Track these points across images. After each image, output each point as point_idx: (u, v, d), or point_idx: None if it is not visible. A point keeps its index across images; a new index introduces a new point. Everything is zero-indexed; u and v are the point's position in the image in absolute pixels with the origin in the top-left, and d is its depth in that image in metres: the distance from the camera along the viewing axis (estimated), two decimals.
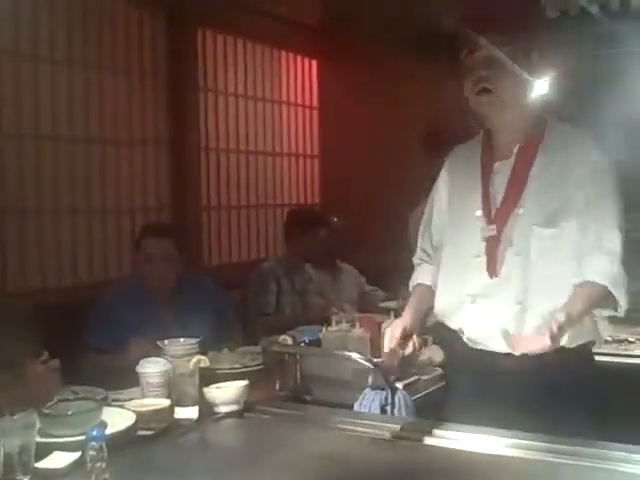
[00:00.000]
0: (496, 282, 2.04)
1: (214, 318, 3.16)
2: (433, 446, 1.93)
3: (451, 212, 2.19)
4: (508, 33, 1.97)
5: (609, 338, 2.95)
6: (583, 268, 1.97)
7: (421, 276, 2.27)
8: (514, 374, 2.01)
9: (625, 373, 2.86)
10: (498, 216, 2.04)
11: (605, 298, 1.97)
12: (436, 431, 1.98)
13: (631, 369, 2.91)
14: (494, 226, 2.03)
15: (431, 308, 2.21)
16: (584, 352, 2.06)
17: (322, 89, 5.67)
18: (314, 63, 5.64)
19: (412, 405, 2.29)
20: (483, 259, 2.05)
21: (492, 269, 2.04)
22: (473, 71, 2.00)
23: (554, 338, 1.79)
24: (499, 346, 2.01)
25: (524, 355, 1.95)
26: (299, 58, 5.52)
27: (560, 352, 1.92)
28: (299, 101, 5.54)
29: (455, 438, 1.93)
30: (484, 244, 2.05)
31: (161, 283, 3.15)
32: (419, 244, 2.31)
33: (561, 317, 1.80)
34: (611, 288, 1.94)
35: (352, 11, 4.91)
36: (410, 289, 2.28)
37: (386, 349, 2.06)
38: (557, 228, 2.00)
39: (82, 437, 1.64)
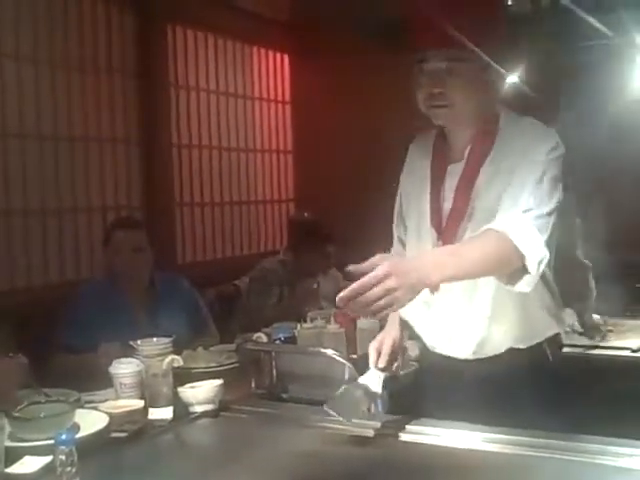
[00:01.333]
0: (447, 290, 1.91)
1: (188, 317, 3.13)
2: (410, 442, 1.92)
3: (406, 211, 2.11)
4: (462, 48, 1.82)
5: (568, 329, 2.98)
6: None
7: None
8: (473, 378, 2.00)
9: (598, 364, 2.89)
10: (447, 229, 1.95)
11: (509, 249, 1.71)
12: (413, 427, 1.97)
13: (603, 360, 2.94)
14: (441, 242, 1.95)
15: None
16: (539, 351, 2.01)
17: (294, 84, 5.65)
18: (286, 58, 5.62)
19: (389, 401, 2.28)
20: None
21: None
22: (425, 85, 1.89)
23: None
24: (455, 352, 2.01)
25: (481, 360, 1.96)
26: (270, 53, 5.49)
27: (514, 353, 1.94)
28: (271, 96, 5.51)
29: (432, 434, 1.92)
30: None
31: (133, 276, 3.10)
32: (395, 235, 2.22)
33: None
34: (513, 238, 1.71)
35: (323, 6, 4.89)
36: None
37: (372, 366, 1.97)
38: None
39: (53, 441, 1.61)
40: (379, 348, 1.99)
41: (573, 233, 2.93)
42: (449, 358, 2.05)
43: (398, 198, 2.19)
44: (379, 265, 1.47)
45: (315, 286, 4.02)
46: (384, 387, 2.06)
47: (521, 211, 1.78)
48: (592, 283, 3.03)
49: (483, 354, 2.01)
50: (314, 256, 4.02)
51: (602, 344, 3.07)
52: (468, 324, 1.99)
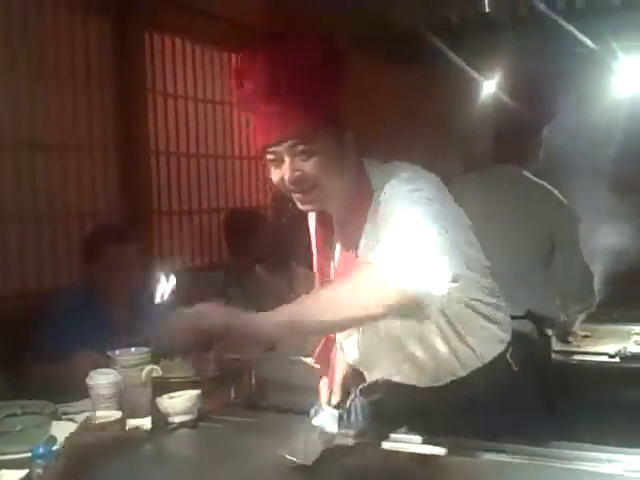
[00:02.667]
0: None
1: None
2: (390, 450, 1.92)
3: None
4: (309, 130, 1.65)
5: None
6: None
7: None
8: (435, 402, 1.98)
9: (575, 370, 2.91)
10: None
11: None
12: (392, 435, 1.97)
13: (581, 365, 2.95)
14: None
15: None
16: (502, 362, 1.97)
17: None
18: None
19: (368, 409, 2.28)
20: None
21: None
22: (279, 173, 1.70)
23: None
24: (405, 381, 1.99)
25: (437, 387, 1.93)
26: None
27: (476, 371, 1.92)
28: None
29: (412, 442, 1.93)
30: None
31: (124, 291, 3.07)
32: None
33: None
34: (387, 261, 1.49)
35: (302, 14, 4.89)
36: None
37: (324, 405, 1.94)
38: None
39: (30, 454, 1.59)
40: (330, 385, 1.97)
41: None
42: (404, 385, 2.01)
43: None
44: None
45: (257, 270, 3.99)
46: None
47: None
48: (595, 288, 2.99)
49: (433, 383, 1.97)
50: (247, 242, 3.98)
51: (580, 350, 3.09)
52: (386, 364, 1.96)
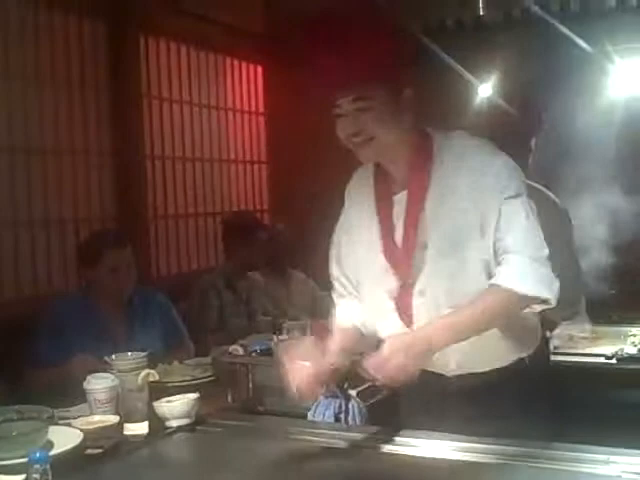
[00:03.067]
0: (414, 323, 1.94)
1: (164, 331, 3.12)
2: (388, 453, 1.91)
3: (358, 257, 2.04)
4: (366, 86, 1.83)
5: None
6: (495, 274, 1.84)
7: (343, 315, 2.10)
8: (454, 392, 1.99)
9: (573, 371, 2.90)
10: (400, 260, 1.92)
11: (521, 305, 1.85)
12: (390, 438, 1.97)
13: (578, 367, 2.95)
14: (398, 272, 1.93)
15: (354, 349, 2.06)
16: (520, 365, 2.00)
17: (268, 95, 5.64)
18: (259, 69, 5.61)
19: (366, 412, 2.28)
20: (395, 307, 1.96)
21: (404, 317, 1.95)
22: (342, 124, 1.88)
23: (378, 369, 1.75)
24: (435, 368, 1.98)
25: (462, 376, 1.96)
26: (244, 64, 5.48)
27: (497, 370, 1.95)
28: (245, 107, 5.51)
29: (410, 444, 1.92)
30: (394, 291, 1.95)
31: (122, 295, 3.10)
32: (334, 280, 2.14)
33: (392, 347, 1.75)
34: (520, 289, 1.78)
35: (297, 17, 4.90)
36: (331, 326, 2.09)
37: (294, 389, 1.95)
38: (464, 255, 1.86)
39: (27, 459, 1.58)
40: (303, 375, 1.95)
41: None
42: (429, 373, 2.00)
43: (336, 248, 2.12)
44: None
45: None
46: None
47: (518, 252, 1.81)
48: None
49: (464, 371, 1.98)
50: (244, 246, 3.96)
51: (577, 351, 3.10)
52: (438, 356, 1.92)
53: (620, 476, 1.67)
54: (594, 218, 3.11)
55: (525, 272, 1.79)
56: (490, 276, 1.84)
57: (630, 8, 4.65)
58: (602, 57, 4.46)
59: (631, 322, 3.34)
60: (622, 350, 3.00)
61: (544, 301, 1.82)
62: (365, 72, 1.82)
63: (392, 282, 1.95)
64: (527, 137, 3.03)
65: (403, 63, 1.92)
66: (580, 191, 3.09)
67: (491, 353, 1.95)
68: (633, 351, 2.99)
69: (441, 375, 2.00)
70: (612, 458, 1.73)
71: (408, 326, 1.94)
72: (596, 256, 3.11)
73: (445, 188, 1.89)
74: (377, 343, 1.89)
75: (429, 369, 1.96)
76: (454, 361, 1.96)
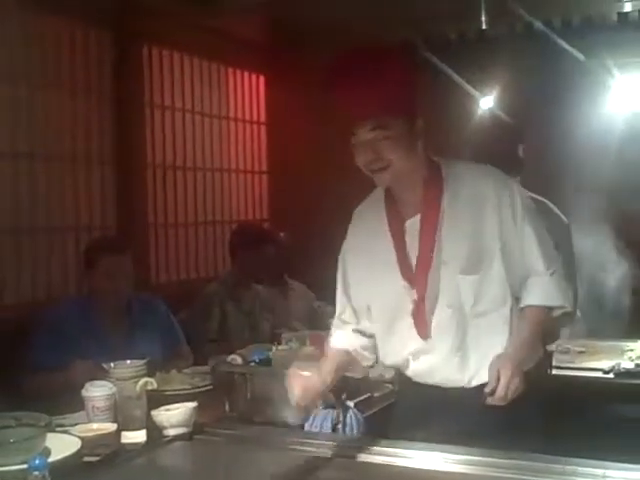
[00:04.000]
0: (433, 339, 2.05)
1: (162, 338, 3.12)
2: (385, 464, 1.92)
3: (369, 278, 2.13)
4: (385, 114, 1.95)
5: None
6: (521, 296, 2.03)
7: (341, 340, 2.19)
8: (452, 403, 2.03)
9: (570, 385, 2.90)
10: (418, 278, 2.03)
11: (551, 315, 2.04)
12: (388, 449, 1.97)
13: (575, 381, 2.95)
14: (416, 290, 2.03)
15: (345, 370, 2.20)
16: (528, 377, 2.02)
17: (270, 105, 5.66)
18: (261, 79, 5.64)
19: (364, 423, 2.28)
20: (413, 322, 2.06)
21: (423, 332, 2.05)
22: (361, 152, 1.98)
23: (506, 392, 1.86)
24: (437, 382, 2.07)
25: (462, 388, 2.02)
26: (246, 74, 5.50)
27: None
28: (247, 117, 5.52)
29: (407, 456, 1.93)
30: (411, 307, 2.05)
31: (118, 300, 3.10)
32: (338, 305, 2.23)
33: (506, 372, 1.86)
34: (550, 303, 2.02)
35: (299, 27, 4.92)
36: (327, 349, 2.20)
37: (292, 403, 2.07)
38: (482, 271, 2.00)
39: (24, 466, 1.59)
40: (306, 390, 2.07)
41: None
42: (429, 386, 2.08)
43: (342, 273, 2.20)
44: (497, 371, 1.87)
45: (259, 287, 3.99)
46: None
47: (541, 274, 2.01)
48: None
49: (466, 384, 2.04)
50: (252, 258, 3.95)
51: (574, 365, 3.10)
52: (457, 367, 2.03)
53: None
54: (592, 231, 3.11)
55: (549, 289, 2.01)
56: (509, 290, 2.02)
57: (631, 23, 4.68)
58: (602, 71, 4.48)
59: (628, 337, 3.34)
60: (619, 365, 3.01)
61: (563, 308, 2.04)
62: (385, 103, 1.93)
63: (410, 300, 2.04)
64: (513, 148, 3.05)
65: (417, 95, 2.04)
66: (579, 205, 3.09)
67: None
68: (630, 366, 3.00)
69: (456, 388, 2.05)
70: (608, 472, 1.74)
71: (424, 339, 2.04)
72: (593, 271, 3.12)
73: (457, 212, 2.03)
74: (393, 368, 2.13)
75: (447, 381, 2.05)
76: (470, 375, 2.03)
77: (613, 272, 3.56)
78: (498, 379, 1.87)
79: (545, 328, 2.08)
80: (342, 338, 2.18)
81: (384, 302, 2.11)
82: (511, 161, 2.98)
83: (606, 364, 3.04)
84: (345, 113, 1.99)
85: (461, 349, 2.02)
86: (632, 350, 3.14)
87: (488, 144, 2.99)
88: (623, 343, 3.29)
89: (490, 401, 1.86)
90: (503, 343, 2.00)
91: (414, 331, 2.05)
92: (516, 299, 2.04)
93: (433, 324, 2.03)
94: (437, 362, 2.05)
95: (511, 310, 2.02)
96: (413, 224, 2.05)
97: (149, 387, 2.18)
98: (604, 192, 4.32)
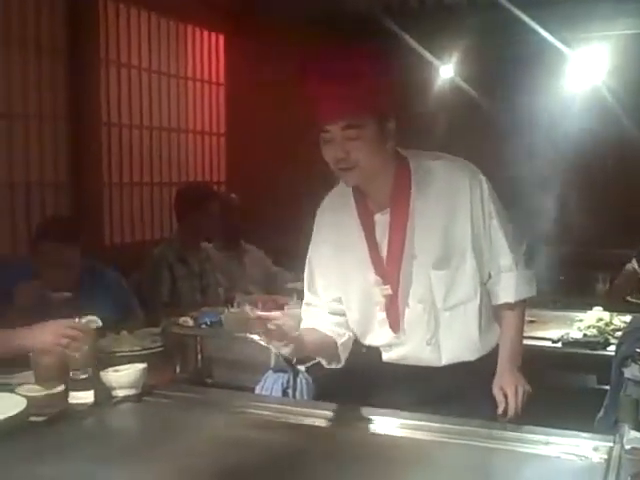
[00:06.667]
0: (405, 332, 2.07)
1: (118, 311, 3.06)
2: (334, 428, 1.93)
3: (340, 272, 2.13)
4: (356, 115, 1.94)
5: None
6: (494, 292, 2.10)
7: (310, 322, 2.17)
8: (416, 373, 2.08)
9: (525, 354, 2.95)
10: (389, 273, 2.05)
11: (524, 302, 2.14)
12: (337, 414, 1.98)
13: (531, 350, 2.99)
14: (388, 285, 2.05)
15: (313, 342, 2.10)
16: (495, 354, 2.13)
17: (229, 65, 5.58)
18: (221, 38, 5.55)
19: (313, 387, 2.29)
20: (385, 316, 2.08)
21: (395, 326, 2.07)
22: (330, 149, 1.97)
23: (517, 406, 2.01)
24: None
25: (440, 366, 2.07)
26: (205, 33, 5.41)
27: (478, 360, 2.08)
28: (205, 77, 5.44)
29: (355, 420, 1.94)
30: (383, 301, 2.06)
31: (59, 288, 2.90)
32: (306, 292, 2.22)
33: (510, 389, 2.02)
34: (523, 297, 2.12)
35: None
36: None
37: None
38: (453, 265, 2.04)
39: None
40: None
41: None
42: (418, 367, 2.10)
43: (309, 265, 2.19)
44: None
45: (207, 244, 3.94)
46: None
47: (510, 269, 2.08)
48: None
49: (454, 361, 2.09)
50: (197, 217, 3.87)
51: (525, 334, 3.14)
52: (429, 356, 2.08)
53: (559, 457, 1.72)
54: (544, 206, 3.15)
55: (519, 283, 2.10)
56: (479, 281, 2.07)
57: None
58: (561, 43, 4.50)
59: (577, 308, 3.39)
60: (568, 334, 3.06)
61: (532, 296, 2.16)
62: (359, 103, 1.93)
63: (382, 294, 2.06)
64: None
65: (391, 95, 2.03)
66: (536, 177, 3.12)
67: (476, 344, 2.09)
68: (578, 335, 3.05)
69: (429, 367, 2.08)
70: (551, 439, 1.77)
71: (396, 334, 2.07)
72: (545, 240, 3.16)
73: (427, 207, 2.04)
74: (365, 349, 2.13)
75: (420, 364, 2.08)
76: (446, 354, 2.08)
77: (562, 242, 3.61)
78: (505, 397, 2.00)
79: (522, 317, 2.17)
80: (312, 320, 2.16)
81: (355, 296, 2.12)
82: None
83: (555, 334, 3.10)
84: (319, 111, 1.97)
85: (433, 340, 2.06)
86: (581, 320, 3.19)
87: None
88: (573, 313, 3.34)
89: (505, 418, 1.99)
90: (475, 332, 2.07)
91: (386, 325, 2.08)
92: (485, 291, 2.09)
93: (405, 318, 2.06)
94: (409, 352, 2.09)
95: (481, 300, 2.07)
96: (382, 218, 2.06)
97: (92, 326, 2.13)
98: (559, 162, 4.37)
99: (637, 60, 4.67)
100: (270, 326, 1.84)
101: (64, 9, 4.14)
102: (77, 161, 4.25)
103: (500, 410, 2.00)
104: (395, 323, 2.07)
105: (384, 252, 2.06)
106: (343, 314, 2.14)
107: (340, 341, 2.10)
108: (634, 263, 3.92)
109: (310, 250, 2.20)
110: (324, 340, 2.09)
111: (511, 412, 2.00)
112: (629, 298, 3.60)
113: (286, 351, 1.91)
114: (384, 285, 2.05)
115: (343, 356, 2.10)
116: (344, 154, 1.95)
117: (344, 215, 2.12)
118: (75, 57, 4.19)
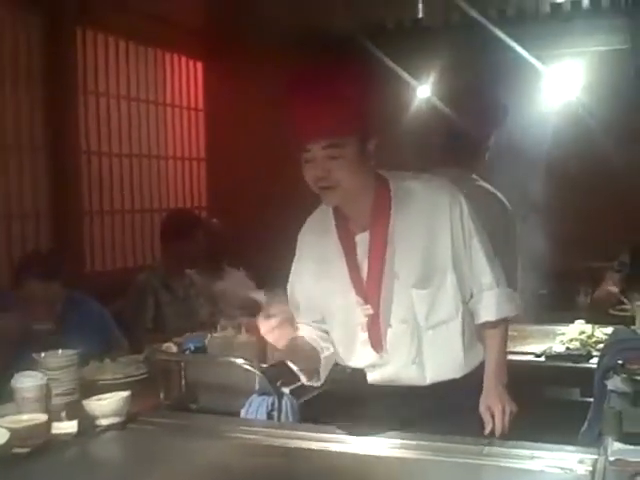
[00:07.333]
0: (388, 352, 2.07)
1: (101, 340, 3.04)
2: (320, 450, 1.93)
3: (321, 294, 2.13)
4: (338, 135, 1.94)
5: None
6: (476, 311, 2.10)
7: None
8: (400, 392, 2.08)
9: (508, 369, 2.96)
10: (370, 293, 2.05)
11: (507, 321, 2.15)
12: (323, 435, 1.98)
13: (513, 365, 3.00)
14: (369, 305, 2.04)
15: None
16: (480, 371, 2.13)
17: (208, 91, 5.61)
18: (199, 65, 5.58)
19: (299, 410, 2.29)
20: (367, 336, 2.07)
21: (377, 346, 2.07)
22: (310, 168, 1.97)
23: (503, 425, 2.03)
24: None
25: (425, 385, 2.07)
26: (184, 60, 5.44)
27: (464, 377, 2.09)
28: (184, 103, 5.46)
29: (343, 441, 1.94)
30: (365, 321, 2.06)
31: (41, 320, 2.89)
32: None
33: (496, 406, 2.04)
34: (505, 315, 2.12)
35: (237, 13, 4.88)
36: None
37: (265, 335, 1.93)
38: (434, 285, 2.04)
39: None
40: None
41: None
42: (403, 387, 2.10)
43: (291, 287, 2.18)
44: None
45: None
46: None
47: (491, 287, 2.09)
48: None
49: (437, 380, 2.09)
50: (183, 244, 3.87)
51: (507, 349, 3.15)
52: (415, 375, 2.07)
53: (544, 470, 1.72)
54: (520, 222, 3.17)
55: (500, 301, 2.10)
56: (460, 299, 2.08)
57: (563, 15, 4.78)
58: (536, 61, 4.56)
59: (559, 321, 3.41)
60: (551, 348, 3.07)
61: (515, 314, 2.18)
62: (341, 123, 1.93)
63: (363, 315, 2.05)
64: (484, 138, 3.08)
65: (371, 115, 2.04)
66: (512, 191, 3.14)
67: (460, 362, 2.09)
68: (561, 349, 3.06)
69: (414, 386, 2.08)
70: (536, 453, 1.78)
71: (379, 353, 2.06)
72: (527, 258, 3.17)
73: (407, 227, 2.05)
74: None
75: (404, 383, 2.08)
76: (430, 373, 2.08)
77: (545, 257, 3.63)
78: (492, 417, 2.02)
79: (505, 335, 2.18)
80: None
81: (337, 317, 2.11)
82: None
83: (538, 348, 3.11)
84: (300, 130, 1.97)
85: (417, 359, 2.06)
86: (564, 334, 3.20)
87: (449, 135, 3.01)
88: (555, 327, 3.35)
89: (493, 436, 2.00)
90: (459, 350, 2.08)
91: (369, 345, 2.07)
92: (467, 309, 2.10)
93: (388, 338, 2.06)
94: (394, 372, 2.09)
95: (463, 319, 2.08)
96: (363, 239, 2.06)
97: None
98: (537, 179, 4.41)
99: (611, 76, 4.73)
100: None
101: (41, 38, 4.16)
102: (57, 190, 4.25)
103: (487, 430, 2.00)
104: (377, 343, 2.06)
105: (365, 272, 2.06)
106: (327, 332, 2.14)
107: (323, 354, 2.08)
108: (614, 275, 3.95)
109: (292, 272, 2.20)
110: (309, 348, 2.06)
111: (498, 432, 2.00)
112: (611, 311, 3.62)
113: (282, 344, 1.88)
114: (365, 305, 2.05)
115: (323, 373, 2.08)
116: (325, 173, 1.95)
117: (325, 237, 2.12)
118: (53, 86, 4.20)
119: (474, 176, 3.02)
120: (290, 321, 1.91)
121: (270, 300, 1.91)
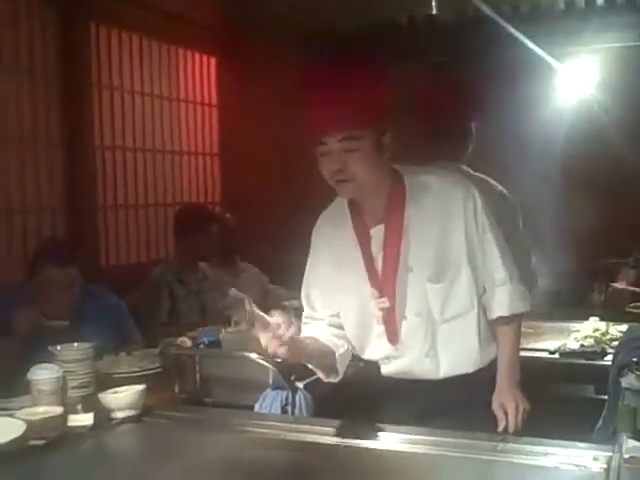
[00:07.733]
0: (403, 345, 2.08)
1: (114, 332, 3.05)
2: (334, 445, 1.93)
3: (337, 286, 2.13)
4: (354, 127, 1.94)
5: None
6: (489, 306, 2.10)
7: (309, 333, 2.11)
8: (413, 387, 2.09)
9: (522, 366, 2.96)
10: (386, 286, 2.06)
11: (520, 317, 2.15)
12: (336, 429, 1.98)
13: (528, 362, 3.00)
14: (385, 298, 2.06)
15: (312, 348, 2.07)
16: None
17: (221, 86, 5.61)
18: (212, 60, 5.58)
19: (312, 404, 2.29)
20: (383, 329, 2.09)
21: (393, 338, 2.08)
22: (327, 161, 1.97)
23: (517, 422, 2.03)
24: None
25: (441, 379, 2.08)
26: (197, 55, 5.44)
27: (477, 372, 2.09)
28: (198, 98, 5.47)
29: (355, 435, 1.94)
30: (380, 314, 2.07)
31: (60, 311, 2.93)
32: (305, 307, 2.21)
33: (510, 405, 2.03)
34: (518, 311, 2.11)
35: (250, 9, 4.89)
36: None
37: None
38: (449, 279, 2.05)
39: None
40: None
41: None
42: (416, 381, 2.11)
43: (306, 281, 2.19)
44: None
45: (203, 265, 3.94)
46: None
47: (504, 283, 2.08)
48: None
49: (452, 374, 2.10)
50: (196, 238, 3.90)
51: (521, 346, 3.14)
52: (428, 368, 2.08)
53: (558, 467, 1.72)
54: (536, 220, 3.16)
55: (514, 298, 2.09)
56: (475, 293, 2.08)
57: (578, 10, 4.76)
58: (550, 57, 4.54)
59: (573, 318, 3.40)
60: (565, 345, 3.07)
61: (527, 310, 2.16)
62: (357, 115, 1.93)
63: (379, 307, 2.06)
64: (467, 129, 3.07)
65: (388, 108, 2.03)
66: (527, 189, 3.14)
67: (475, 357, 2.10)
68: (575, 346, 3.06)
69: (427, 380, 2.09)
70: (550, 450, 1.78)
71: (394, 346, 2.08)
72: (540, 251, 3.17)
73: (421, 221, 2.05)
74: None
75: (418, 377, 2.09)
76: (444, 367, 2.09)
77: (559, 254, 3.62)
78: (505, 414, 2.02)
79: (518, 332, 2.17)
80: (311, 332, 2.13)
81: (353, 310, 2.12)
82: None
83: (552, 344, 3.10)
84: (316, 123, 1.97)
85: (431, 352, 2.07)
86: (578, 331, 3.19)
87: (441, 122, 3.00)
88: (570, 324, 3.34)
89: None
90: (474, 345, 2.09)
91: (384, 338, 2.08)
92: (482, 304, 2.09)
93: (402, 330, 2.07)
94: (408, 365, 2.10)
95: (478, 313, 2.08)
96: (378, 232, 2.07)
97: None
98: (551, 175, 4.39)
99: (626, 73, 4.71)
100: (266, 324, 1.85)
101: (56, 33, 4.17)
102: (72, 185, 4.26)
103: (500, 428, 2.00)
104: (393, 335, 2.07)
105: (380, 265, 2.07)
106: (342, 327, 2.14)
107: (338, 352, 2.08)
108: (629, 272, 3.94)
109: (307, 266, 2.20)
110: (323, 349, 2.07)
111: (511, 430, 2.00)
112: (626, 308, 3.60)
113: (282, 352, 1.85)
114: (381, 298, 2.06)
115: (341, 369, 2.09)
116: (341, 165, 1.95)
117: (340, 230, 2.13)
118: (68, 82, 4.21)
119: (464, 167, 3.01)
120: (295, 331, 1.88)
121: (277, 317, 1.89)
